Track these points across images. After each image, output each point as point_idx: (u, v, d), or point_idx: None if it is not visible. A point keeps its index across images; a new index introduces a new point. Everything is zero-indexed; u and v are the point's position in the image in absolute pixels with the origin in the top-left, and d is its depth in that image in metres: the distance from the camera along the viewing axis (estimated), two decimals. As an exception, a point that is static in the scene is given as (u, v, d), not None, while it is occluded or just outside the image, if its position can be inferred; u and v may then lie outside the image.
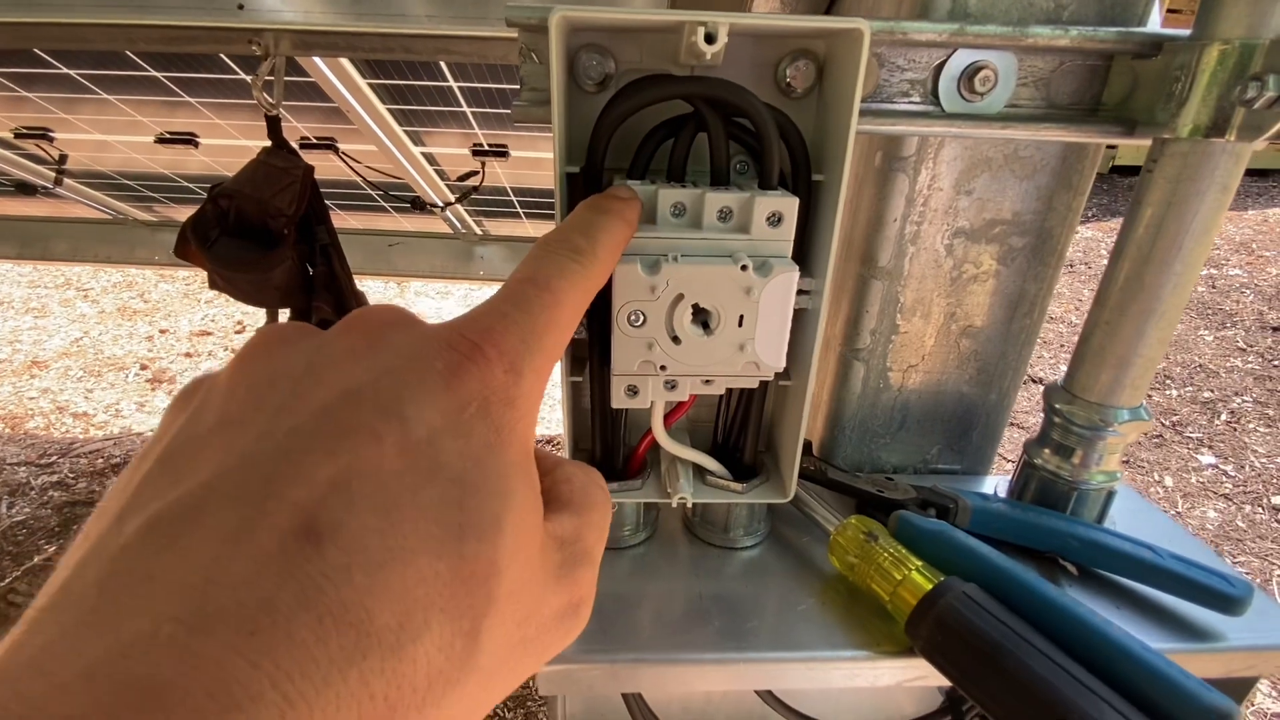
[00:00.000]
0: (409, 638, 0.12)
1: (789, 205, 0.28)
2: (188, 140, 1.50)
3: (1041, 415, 0.39)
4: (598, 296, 0.30)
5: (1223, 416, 2.59)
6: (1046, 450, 0.38)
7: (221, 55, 1.17)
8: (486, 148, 1.51)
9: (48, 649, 0.10)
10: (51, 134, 1.51)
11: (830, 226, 0.30)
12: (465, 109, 1.34)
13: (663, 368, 0.29)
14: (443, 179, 1.68)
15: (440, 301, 3.39)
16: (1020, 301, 0.40)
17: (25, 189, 1.73)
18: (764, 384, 0.35)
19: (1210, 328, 3.14)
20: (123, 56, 1.18)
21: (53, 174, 1.60)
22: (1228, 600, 0.32)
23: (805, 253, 0.31)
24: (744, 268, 0.27)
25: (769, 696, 0.41)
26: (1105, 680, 0.26)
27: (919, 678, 0.32)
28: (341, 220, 1.94)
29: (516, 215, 1.94)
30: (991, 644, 0.27)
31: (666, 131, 0.31)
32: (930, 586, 0.30)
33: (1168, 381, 2.81)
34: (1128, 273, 0.34)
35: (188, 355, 2.87)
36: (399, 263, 2.15)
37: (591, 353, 0.33)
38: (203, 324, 3.10)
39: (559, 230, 0.20)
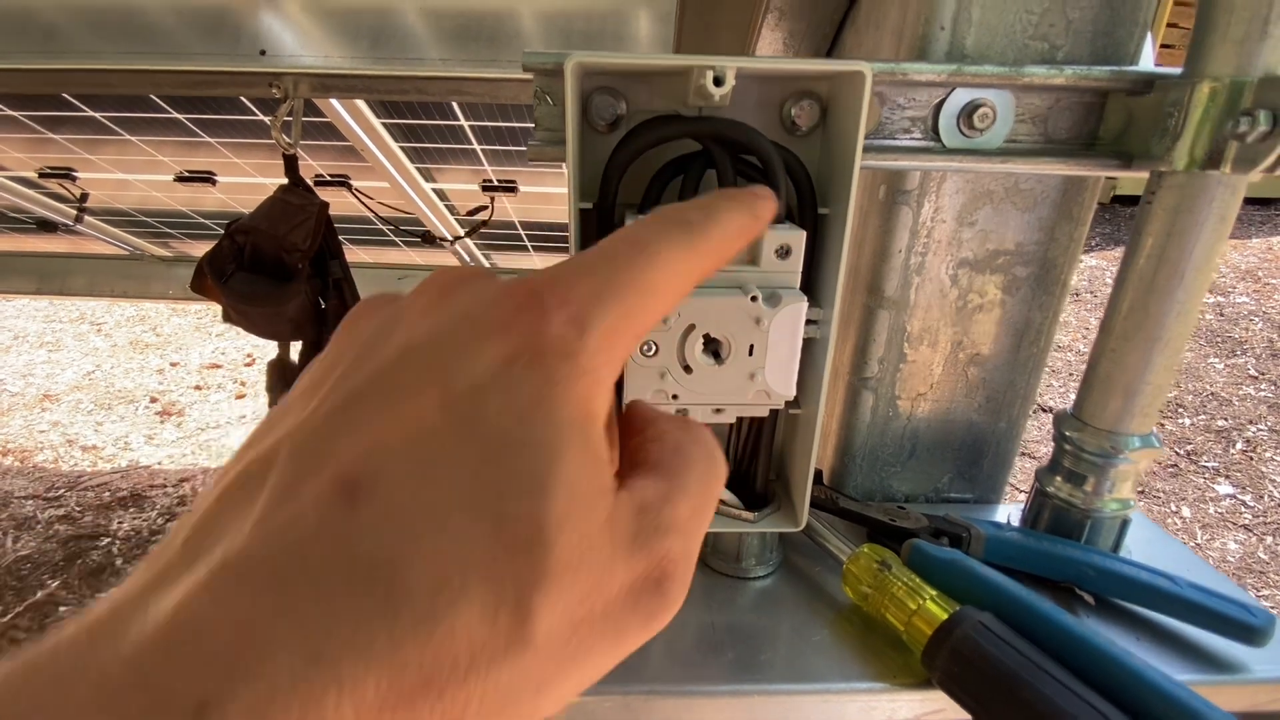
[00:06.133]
0: (445, 603, 0.11)
1: (797, 238, 0.28)
2: (206, 178, 1.54)
3: (1052, 443, 0.40)
4: None
5: (1238, 445, 2.56)
6: (1058, 478, 0.38)
7: (241, 97, 1.21)
8: (496, 183, 1.54)
9: (139, 596, 0.11)
10: (75, 173, 1.55)
11: (837, 258, 0.31)
12: (475, 146, 1.38)
13: (675, 396, 0.30)
14: (453, 214, 1.71)
15: (448, 334, 3.41)
16: (1026, 330, 0.41)
17: (46, 226, 1.77)
18: (774, 413, 0.35)
19: (1220, 355, 3.12)
20: (145, 99, 1.22)
21: (74, 211, 1.64)
22: (1250, 630, 0.32)
23: (813, 284, 0.32)
24: (754, 298, 0.27)
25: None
26: (1125, 711, 0.25)
27: (936, 711, 0.31)
28: (353, 254, 1.97)
29: (524, 249, 1.97)
30: (1009, 674, 0.27)
31: (676, 169, 0.32)
32: (945, 616, 0.30)
33: (1180, 410, 2.79)
34: (1131, 302, 0.34)
35: (197, 388, 2.89)
36: (408, 296, 2.17)
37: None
38: (213, 357, 3.13)
39: (675, 205, 0.18)
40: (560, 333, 0.14)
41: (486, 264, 2.09)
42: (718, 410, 0.32)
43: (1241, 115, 0.29)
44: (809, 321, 0.31)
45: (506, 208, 1.67)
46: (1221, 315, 3.38)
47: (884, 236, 0.39)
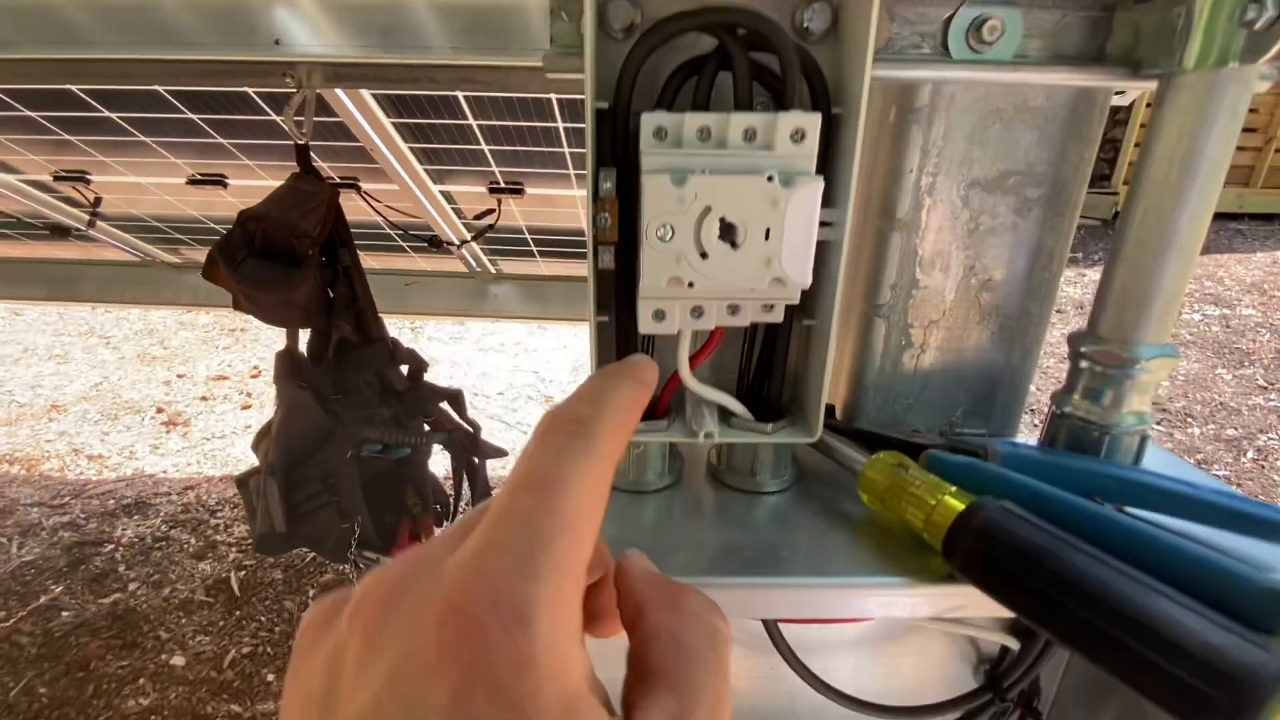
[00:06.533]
0: None
1: (811, 121, 0.29)
2: (217, 181, 1.56)
3: (1067, 365, 0.39)
4: (625, 215, 0.31)
5: (1249, 454, 2.54)
6: (1075, 396, 0.38)
7: (253, 95, 1.23)
8: (503, 185, 1.56)
9: None
10: (89, 176, 1.57)
11: (850, 158, 0.31)
12: (483, 146, 1.40)
13: (690, 285, 0.30)
14: (460, 218, 1.73)
15: (453, 347, 3.42)
16: (1039, 254, 0.41)
17: (59, 231, 1.80)
18: (789, 320, 0.35)
19: (1228, 366, 3.12)
20: (160, 99, 1.24)
21: (86, 216, 1.66)
22: (1275, 527, 0.31)
23: (827, 185, 0.32)
24: (770, 179, 0.28)
25: (805, 673, 0.40)
26: (1156, 577, 0.25)
27: (958, 607, 0.31)
28: (360, 260, 1.99)
29: (530, 254, 1.98)
30: (1035, 549, 0.26)
31: (689, 71, 0.32)
32: (963, 507, 0.30)
33: (1189, 419, 2.77)
34: (1145, 207, 0.34)
35: (203, 399, 2.90)
36: (415, 301, 2.19)
37: (618, 290, 0.34)
38: (220, 369, 3.14)
39: (562, 404, 0.17)
40: (505, 646, 0.13)
41: (493, 270, 2.10)
42: (733, 310, 0.33)
43: (1250, 2, 0.29)
44: (823, 224, 0.32)
45: (513, 211, 1.68)
46: (1228, 327, 3.38)
47: (895, 157, 0.39)
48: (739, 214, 0.28)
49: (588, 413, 0.17)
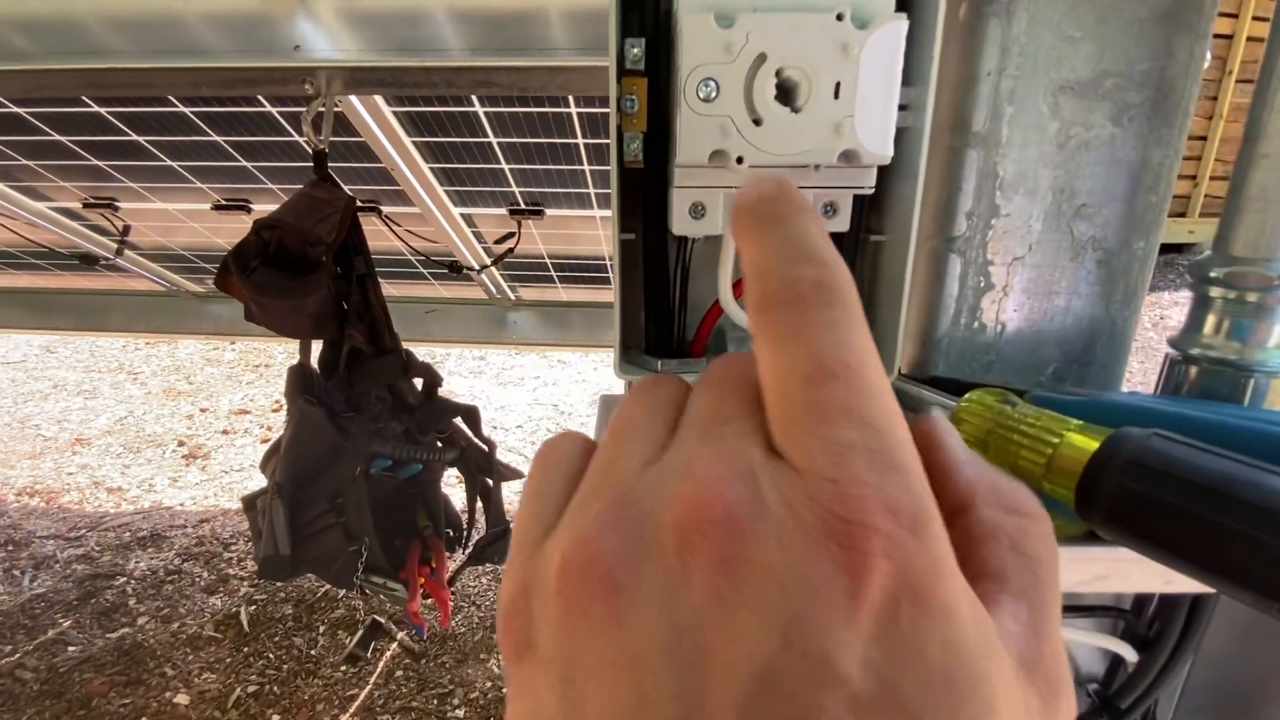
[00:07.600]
0: None
1: (887, -46, 0.23)
2: (242, 206, 1.57)
3: (1189, 303, 0.33)
4: (655, 83, 0.26)
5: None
6: (1203, 334, 0.31)
7: (276, 115, 1.24)
8: (523, 206, 1.55)
9: None
10: (117, 203, 1.59)
11: (932, 26, 0.26)
12: (504, 165, 1.39)
13: (739, 160, 0.24)
14: (480, 242, 1.72)
15: (473, 381, 3.39)
16: (1143, 173, 0.34)
17: (88, 260, 1.81)
18: (855, 234, 0.29)
19: None
20: (185, 122, 1.25)
21: (115, 245, 1.68)
22: None
23: (905, 62, 0.27)
24: (839, 17, 0.22)
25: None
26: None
27: (1095, 579, 0.24)
28: (378, 277, 1.99)
29: (550, 280, 1.96)
30: (1222, 478, 0.19)
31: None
32: (1099, 442, 0.23)
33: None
34: (1288, 89, 0.28)
35: (224, 432, 2.89)
36: (435, 330, 2.18)
37: (646, 201, 0.28)
38: (242, 403, 3.14)
39: (776, 269, 0.13)
40: (919, 551, 0.11)
41: (513, 297, 2.08)
42: (788, 211, 0.27)
43: None
44: (901, 107, 0.26)
45: (534, 235, 1.67)
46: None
47: (970, 58, 0.33)
48: (801, 64, 0.23)
49: (822, 275, 0.13)
